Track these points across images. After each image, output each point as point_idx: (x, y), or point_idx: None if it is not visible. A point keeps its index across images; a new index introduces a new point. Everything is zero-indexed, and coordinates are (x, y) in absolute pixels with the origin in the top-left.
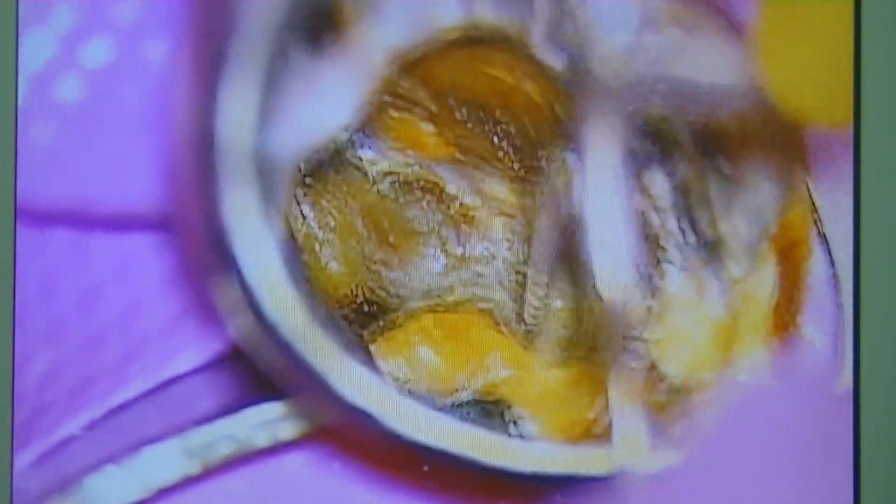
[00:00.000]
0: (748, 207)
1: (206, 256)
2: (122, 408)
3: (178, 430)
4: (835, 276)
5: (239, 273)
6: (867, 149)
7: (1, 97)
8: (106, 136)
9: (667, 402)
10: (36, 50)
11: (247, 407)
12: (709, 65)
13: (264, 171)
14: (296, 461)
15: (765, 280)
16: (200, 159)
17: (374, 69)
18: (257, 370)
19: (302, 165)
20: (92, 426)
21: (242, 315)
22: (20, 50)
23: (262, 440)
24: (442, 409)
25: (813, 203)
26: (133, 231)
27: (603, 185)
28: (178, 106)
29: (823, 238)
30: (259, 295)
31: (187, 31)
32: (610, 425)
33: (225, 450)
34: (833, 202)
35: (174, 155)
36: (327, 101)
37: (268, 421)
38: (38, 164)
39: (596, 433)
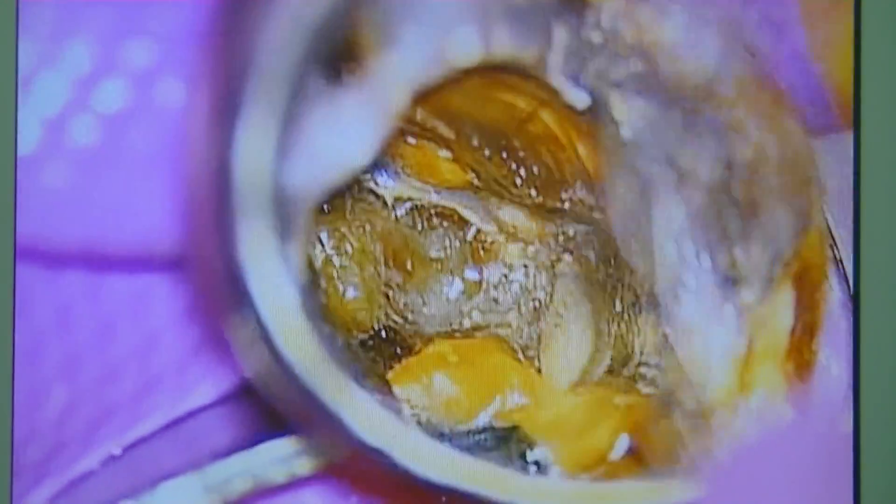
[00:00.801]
0: (763, 234)
1: (221, 293)
2: (139, 443)
3: (196, 465)
4: (850, 300)
5: (254, 310)
6: (867, 148)
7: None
8: (120, 179)
9: (682, 430)
10: (50, 93)
11: (263, 442)
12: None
13: (281, 206)
14: (313, 497)
15: (781, 307)
16: (216, 198)
17: (393, 101)
18: (273, 405)
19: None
20: (109, 461)
21: (257, 352)
22: (32, 93)
23: (279, 476)
24: (457, 436)
25: (829, 227)
26: (147, 271)
27: (622, 216)
28: (194, 145)
29: (839, 263)
30: (274, 332)
31: (202, 72)
32: (625, 455)
33: (243, 485)
34: (845, 225)
35: (190, 194)
36: (346, 134)
37: (284, 456)
38: (52, 207)
39: (612, 462)
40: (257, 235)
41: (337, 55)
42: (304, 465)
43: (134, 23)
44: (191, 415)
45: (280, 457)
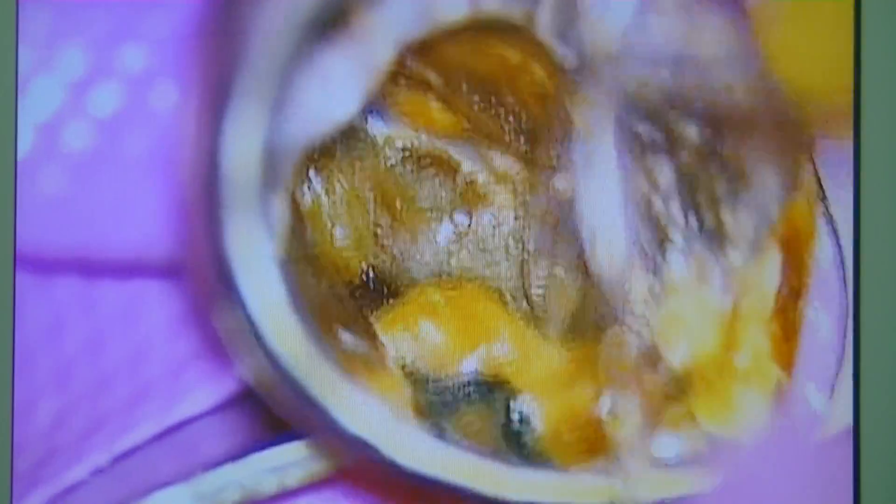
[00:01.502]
0: (752, 197)
1: (211, 291)
2: (130, 452)
3: (187, 475)
4: (841, 259)
5: (244, 306)
6: (867, 151)
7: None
8: (115, 184)
9: (665, 387)
10: (43, 98)
11: (254, 452)
12: (713, 49)
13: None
14: None
15: (767, 268)
16: (206, 194)
17: (379, 57)
18: (265, 413)
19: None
20: (100, 471)
21: (248, 350)
22: (27, 98)
23: (269, 486)
24: (442, 387)
25: (820, 186)
26: (141, 276)
27: (604, 167)
28: (185, 142)
29: (829, 219)
30: (263, 328)
31: (194, 71)
32: (612, 415)
33: (233, 495)
34: (838, 184)
35: (182, 194)
36: (332, 90)
37: (275, 467)
38: (45, 212)
39: (598, 419)
40: (246, 231)
41: (324, 13)
42: (295, 476)
43: (128, 27)
44: (182, 424)
45: (271, 467)
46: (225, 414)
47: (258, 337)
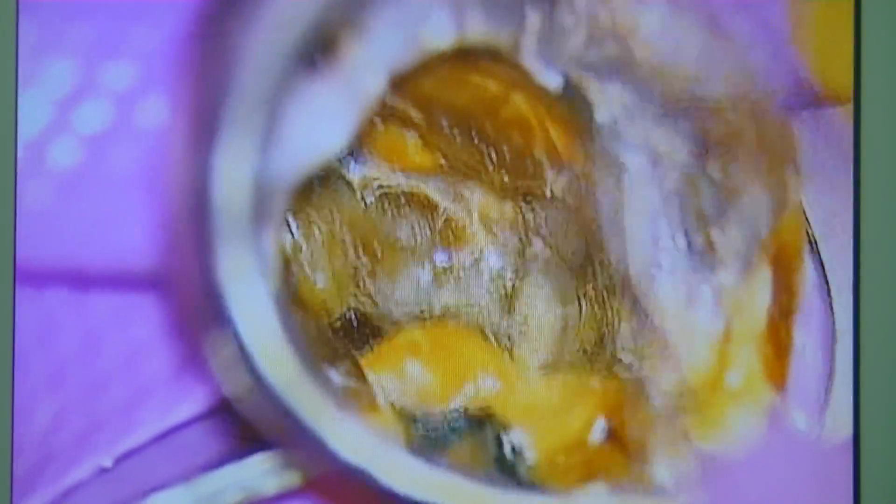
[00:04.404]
0: (741, 216)
1: (201, 313)
2: (129, 455)
3: (186, 477)
4: (826, 283)
5: (234, 331)
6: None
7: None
8: (102, 199)
9: (661, 413)
10: (32, 115)
11: (254, 454)
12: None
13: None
14: None
15: (758, 287)
16: (196, 221)
17: (368, 88)
18: (252, 425)
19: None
20: (99, 473)
21: (237, 373)
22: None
23: (269, 488)
24: (432, 422)
25: (804, 212)
26: (130, 289)
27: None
28: (174, 167)
29: (814, 244)
30: (253, 353)
31: (182, 92)
32: (604, 440)
33: (233, 497)
34: (825, 206)
35: (170, 217)
36: (321, 122)
37: (275, 468)
38: (33, 227)
39: (591, 447)
40: (237, 257)
41: (312, 44)
42: (294, 478)
43: (115, 43)
44: (181, 427)
45: (270, 469)
46: (224, 416)
47: (250, 363)
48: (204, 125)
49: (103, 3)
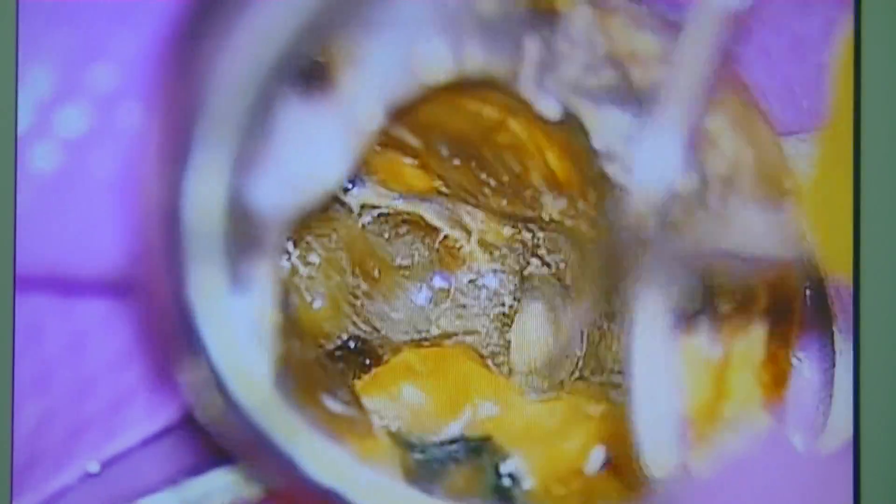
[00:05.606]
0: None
1: (171, 325)
2: (115, 459)
3: (173, 480)
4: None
5: (205, 354)
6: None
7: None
8: (81, 204)
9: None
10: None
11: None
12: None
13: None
14: None
15: (756, 315)
16: (166, 235)
17: (365, 118)
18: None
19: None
20: (87, 477)
21: (209, 395)
22: None
23: (255, 491)
24: (429, 448)
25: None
26: (110, 294)
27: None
28: (146, 181)
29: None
30: (224, 374)
31: (156, 109)
32: (602, 469)
33: (221, 500)
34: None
35: (142, 236)
36: (318, 153)
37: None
38: (17, 231)
39: (589, 477)
40: (209, 277)
41: (307, 73)
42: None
43: (96, 47)
44: (167, 431)
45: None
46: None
47: (221, 386)
48: (177, 143)
49: (85, 6)
